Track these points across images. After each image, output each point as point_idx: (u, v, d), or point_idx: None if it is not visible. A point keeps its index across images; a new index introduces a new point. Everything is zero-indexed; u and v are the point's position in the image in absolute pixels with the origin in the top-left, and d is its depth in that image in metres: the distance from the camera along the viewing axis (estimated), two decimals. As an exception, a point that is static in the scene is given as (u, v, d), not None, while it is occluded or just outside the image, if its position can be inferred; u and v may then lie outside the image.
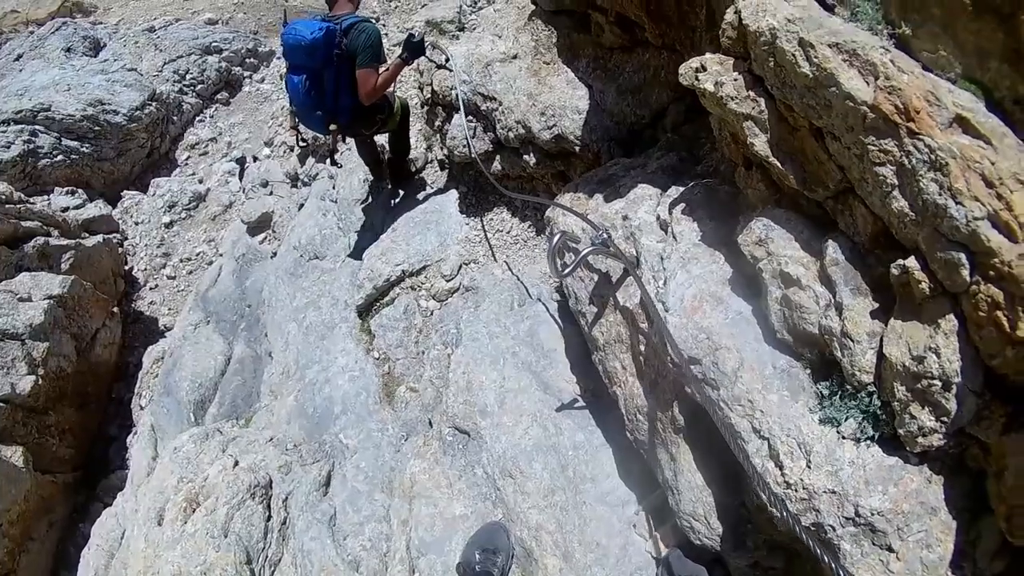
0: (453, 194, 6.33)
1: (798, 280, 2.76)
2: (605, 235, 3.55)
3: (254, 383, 6.75)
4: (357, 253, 6.45)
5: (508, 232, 5.85)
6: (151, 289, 9.40)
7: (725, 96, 2.93)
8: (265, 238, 8.20)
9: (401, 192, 6.96)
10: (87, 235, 9.13)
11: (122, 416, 8.31)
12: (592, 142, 5.10)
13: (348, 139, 7.13)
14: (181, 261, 9.43)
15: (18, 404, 6.98)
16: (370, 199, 7.02)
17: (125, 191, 10.35)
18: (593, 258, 3.75)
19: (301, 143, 6.26)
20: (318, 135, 7.29)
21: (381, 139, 7.02)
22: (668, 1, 4.14)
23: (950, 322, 2.23)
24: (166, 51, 11.65)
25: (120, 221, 10.00)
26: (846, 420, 2.56)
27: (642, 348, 3.47)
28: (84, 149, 10.14)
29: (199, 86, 11.37)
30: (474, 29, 7.20)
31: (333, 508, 4.74)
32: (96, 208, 9.75)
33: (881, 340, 2.47)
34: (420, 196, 6.64)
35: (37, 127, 9.96)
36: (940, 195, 2.17)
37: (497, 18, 6.46)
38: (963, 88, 2.34)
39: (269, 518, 4.76)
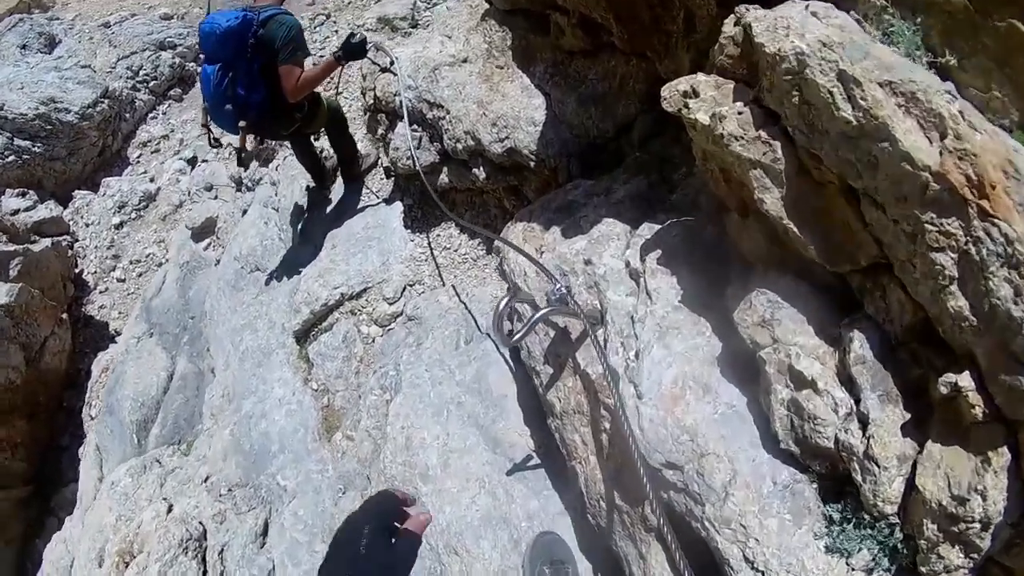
0: (398, 207, 5.39)
1: (813, 382, 1.93)
2: (564, 289, 2.69)
3: (197, 402, 5.85)
4: (295, 269, 5.51)
5: (456, 250, 4.95)
6: (101, 292, 8.37)
7: (726, 134, 2.06)
8: (210, 244, 7.21)
9: (338, 200, 6.02)
10: (37, 238, 8.13)
11: (73, 425, 7.38)
12: (548, 157, 4.21)
13: (271, 141, 6.40)
14: (131, 263, 8.40)
15: (-34, 422, 6.11)
16: (311, 208, 6.07)
17: (77, 191, 9.26)
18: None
19: (214, 143, 5.34)
20: (261, 137, 6.28)
21: (321, 143, 6.13)
22: (639, 2, 3.26)
23: (1002, 456, 1.60)
24: (120, 47, 10.44)
25: (71, 222, 8.94)
26: (858, 551, 1.87)
27: (606, 425, 2.62)
28: (36, 149, 9.07)
29: (152, 82, 10.20)
30: (428, 26, 6.29)
31: (272, 562, 3.99)
32: (47, 209, 8.72)
33: (914, 465, 1.77)
34: (363, 207, 5.68)
35: (-10, 127, 8.84)
36: (1016, 303, 1.44)
37: (448, 17, 5.50)
38: (1020, 140, 1.58)
39: (205, 573, 4.13)
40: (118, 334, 7.85)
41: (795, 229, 1.95)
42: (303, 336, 4.96)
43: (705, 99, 2.18)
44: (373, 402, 4.07)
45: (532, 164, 4.26)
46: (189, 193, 8.20)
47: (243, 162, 5.34)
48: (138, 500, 4.88)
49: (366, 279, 4.94)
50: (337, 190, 6.08)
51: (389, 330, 4.69)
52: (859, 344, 1.88)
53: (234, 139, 5.86)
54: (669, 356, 2.37)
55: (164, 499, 4.69)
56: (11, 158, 8.91)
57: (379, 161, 5.98)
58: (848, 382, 1.91)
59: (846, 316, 2.00)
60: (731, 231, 2.45)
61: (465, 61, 4.89)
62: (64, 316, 7.80)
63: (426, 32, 5.56)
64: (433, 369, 3.95)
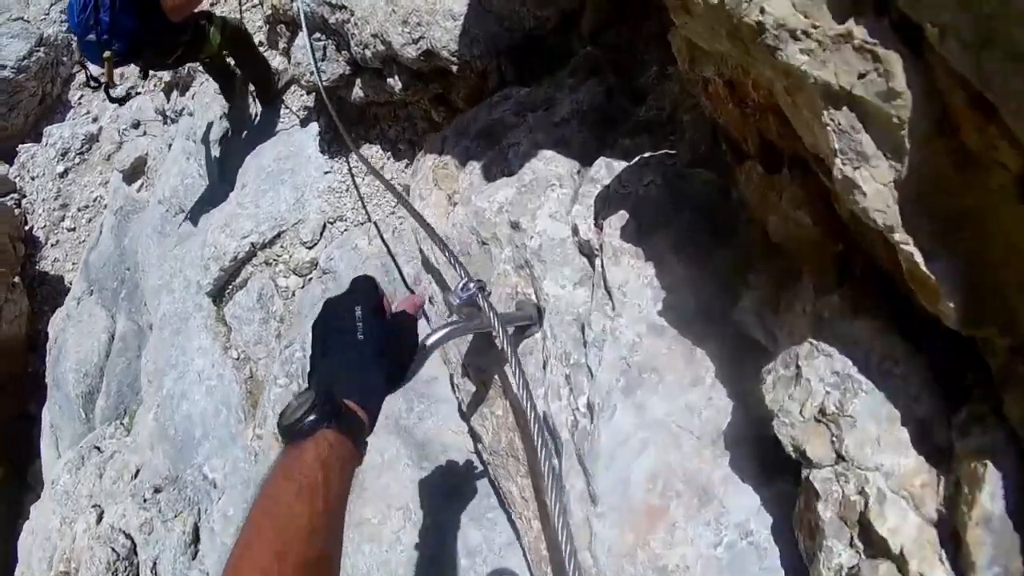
0: (313, 129, 4.08)
1: (901, 557, 0.82)
2: (472, 288, 1.50)
3: (137, 364, 4.76)
4: (209, 212, 4.32)
5: (381, 173, 3.74)
6: (52, 246, 7.20)
7: (771, 26, 0.80)
8: (142, 185, 5.97)
9: (255, 125, 4.74)
10: None
11: (40, 390, 6.21)
12: (474, 58, 2.96)
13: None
14: (79, 210, 7.17)
15: (-76, 421, 5.23)
16: (228, 137, 4.81)
17: (21, 145, 7.99)
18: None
19: (93, 83, 4.19)
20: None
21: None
22: None
23: None
24: None
25: (17, 178, 7.73)
26: None
27: (549, 482, 1.48)
28: (-26, 112, 7.83)
29: (88, 21, 8.80)
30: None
31: (205, 575, 3.12)
32: (-10, 172, 7.54)
33: None
34: (276, 133, 4.41)
35: (-77, 107, 7.61)
36: None
37: None
38: None
39: (140, 593, 3.30)
40: (74, 287, 6.76)
41: (920, 262, 0.75)
42: (218, 295, 3.84)
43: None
44: (279, 395, 2.95)
45: (455, 68, 3.02)
46: (120, 132, 6.88)
47: (114, 99, 4.14)
48: (79, 498, 4.03)
49: (279, 222, 3.75)
50: (256, 113, 4.81)
51: (309, 279, 3.56)
52: (989, 492, 0.76)
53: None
54: (643, 428, 1.24)
55: (96, 505, 3.79)
56: (-52, 127, 7.65)
57: (291, 81, 4.70)
58: (951, 540, 0.81)
59: (961, 406, 0.86)
60: (747, 191, 1.23)
61: (365, -54, 3.55)
62: (17, 280, 6.72)
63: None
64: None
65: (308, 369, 1.19)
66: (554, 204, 1.79)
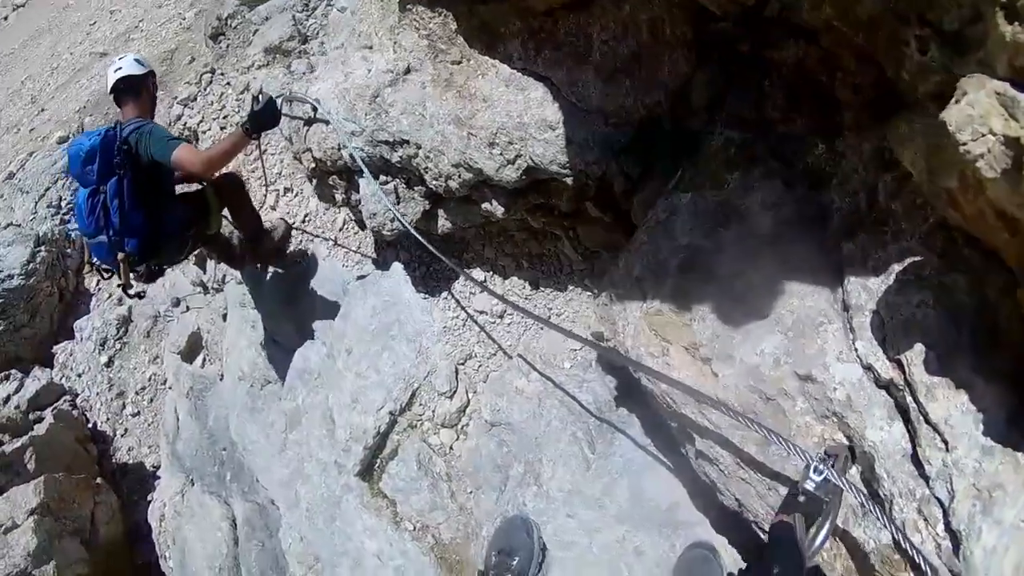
0: (398, 271, 3.67)
1: None
2: (824, 469, 1.46)
3: (273, 543, 4.36)
4: (310, 383, 3.90)
5: (494, 300, 3.33)
6: (122, 436, 6.71)
7: None
8: (204, 359, 5.55)
9: (314, 273, 4.28)
10: (39, 414, 6.56)
11: (156, 578, 5.82)
12: (589, 165, 2.60)
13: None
14: (137, 394, 6.71)
15: (60, 648, 4.82)
16: (291, 296, 4.39)
17: (55, 346, 7.41)
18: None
19: (106, 277, 4.14)
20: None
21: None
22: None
23: None
24: (32, 191, 8.27)
25: (63, 380, 7.14)
26: None
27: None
28: (-3, 329, 7.31)
29: (78, 207, 8.23)
30: (323, 36, 4.51)
31: None
32: (35, 381, 6.93)
33: None
34: (353, 286, 3.93)
35: (-68, 342, 7.02)
36: None
37: (356, 23, 3.63)
38: None
39: None
40: (157, 467, 6.26)
41: None
42: (367, 472, 3.41)
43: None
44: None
45: (569, 180, 2.65)
46: (160, 316, 6.41)
47: (132, 296, 3.83)
48: None
49: (408, 381, 3.34)
50: (312, 264, 4.36)
51: (464, 428, 3.17)
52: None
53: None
54: (1003, 535, 1.30)
55: None
56: (-27, 352, 7.16)
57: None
58: None
59: None
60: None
61: (408, 72, 3.17)
62: (99, 480, 6.19)
63: (336, 50, 3.75)
64: (577, 512, 2.42)
65: None
66: (835, 342, 1.64)
